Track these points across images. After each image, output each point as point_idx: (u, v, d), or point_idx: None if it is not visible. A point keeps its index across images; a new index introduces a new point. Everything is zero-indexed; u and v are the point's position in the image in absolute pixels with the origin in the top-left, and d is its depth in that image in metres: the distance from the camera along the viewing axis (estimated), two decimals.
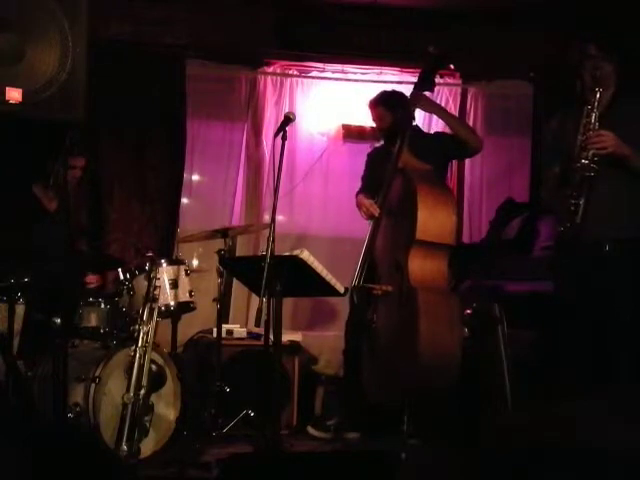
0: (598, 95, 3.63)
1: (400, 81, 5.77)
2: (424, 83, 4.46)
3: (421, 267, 4.18)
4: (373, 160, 4.94)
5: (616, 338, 3.64)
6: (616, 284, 3.66)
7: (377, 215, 4.38)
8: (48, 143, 4.46)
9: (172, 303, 4.40)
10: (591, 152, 3.59)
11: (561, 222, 3.70)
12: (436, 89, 5.94)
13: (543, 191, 4.02)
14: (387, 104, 4.75)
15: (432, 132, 5.08)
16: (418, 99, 4.48)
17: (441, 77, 4.74)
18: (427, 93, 4.57)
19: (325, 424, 4.82)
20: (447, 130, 4.83)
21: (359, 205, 4.66)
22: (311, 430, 4.82)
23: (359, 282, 4.31)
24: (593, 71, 3.68)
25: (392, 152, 4.67)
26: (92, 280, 4.77)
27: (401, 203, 4.33)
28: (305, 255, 3.63)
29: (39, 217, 4.60)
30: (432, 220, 4.19)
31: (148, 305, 3.98)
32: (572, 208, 3.62)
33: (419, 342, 3.98)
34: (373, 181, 4.76)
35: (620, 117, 3.67)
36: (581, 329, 3.71)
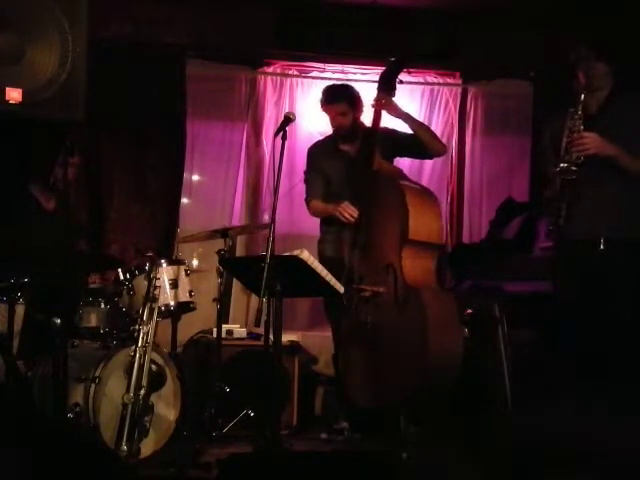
0: (582, 97, 3.66)
1: (399, 81, 5.76)
2: (387, 86, 4.55)
3: (413, 266, 4.20)
4: (317, 158, 4.89)
5: (615, 337, 3.64)
6: (612, 284, 3.67)
7: (356, 217, 4.39)
8: (48, 143, 4.46)
9: (172, 303, 4.40)
10: (574, 155, 3.62)
11: (549, 223, 3.74)
12: (436, 89, 6.04)
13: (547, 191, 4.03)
14: (350, 100, 4.75)
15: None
16: (386, 103, 4.55)
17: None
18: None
19: (335, 428, 4.78)
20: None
21: (329, 212, 4.64)
22: (323, 435, 4.80)
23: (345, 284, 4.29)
24: (587, 72, 3.70)
25: (344, 152, 4.76)
26: (94, 280, 4.75)
27: (382, 205, 4.34)
28: (305, 255, 3.63)
29: (37, 217, 4.60)
30: (421, 220, 4.25)
31: (148, 305, 3.98)
32: (555, 211, 3.65)
33: (428, 341, 4.00)
34: (323, 181, 4.78)
35: (615, 117, 3.69)
36: (580, 329, 3.72)
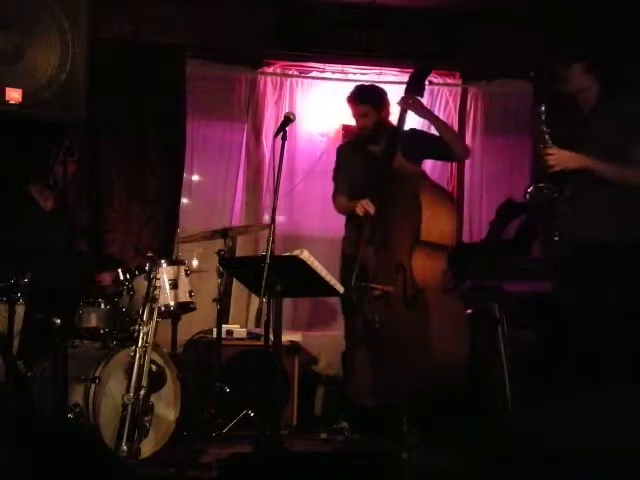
0: (542, 109, 3.66)
1: (400, 81, 5.75)
2: (416, 87, 4.56)
3: (423, 267, 4.22)
4: (345, 157, 4.91)
5: (615, 337, 3.65)
6: (612, 284, 3.68)
7: (372, 214, 4.39)
8: (48, 143, 4.46)
9: (172, 303, 4.39)
10: (545, 173, 3.65)
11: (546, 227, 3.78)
12: (436, 89, 6.05)
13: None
14: (373, 103, 4.73)
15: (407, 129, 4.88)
16: (413, 104, 4.55)
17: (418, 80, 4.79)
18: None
19: (335, 428, 4.78)
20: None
21: (350, 206, 4.64)
22: (323, 435, 4.79)
23: (356, 282, 4.30)
24: (563, 78, 3.74)
25: (370, 151, 4.74)
26: (106, 279, 4.74)
27: (398, 205, 4.35)
28: (305, 255, 3.63)
29: (36, 217, 4.60)
30: (435, 221, 4.27)
31: (148, 305, 3.98)
32: (551, 214, 3.68)
33: (434, 342, 4.02)
34: (349, 179, 4.78)
35: (606, 118, 3.70)
36: (580, 329, 3.73)
